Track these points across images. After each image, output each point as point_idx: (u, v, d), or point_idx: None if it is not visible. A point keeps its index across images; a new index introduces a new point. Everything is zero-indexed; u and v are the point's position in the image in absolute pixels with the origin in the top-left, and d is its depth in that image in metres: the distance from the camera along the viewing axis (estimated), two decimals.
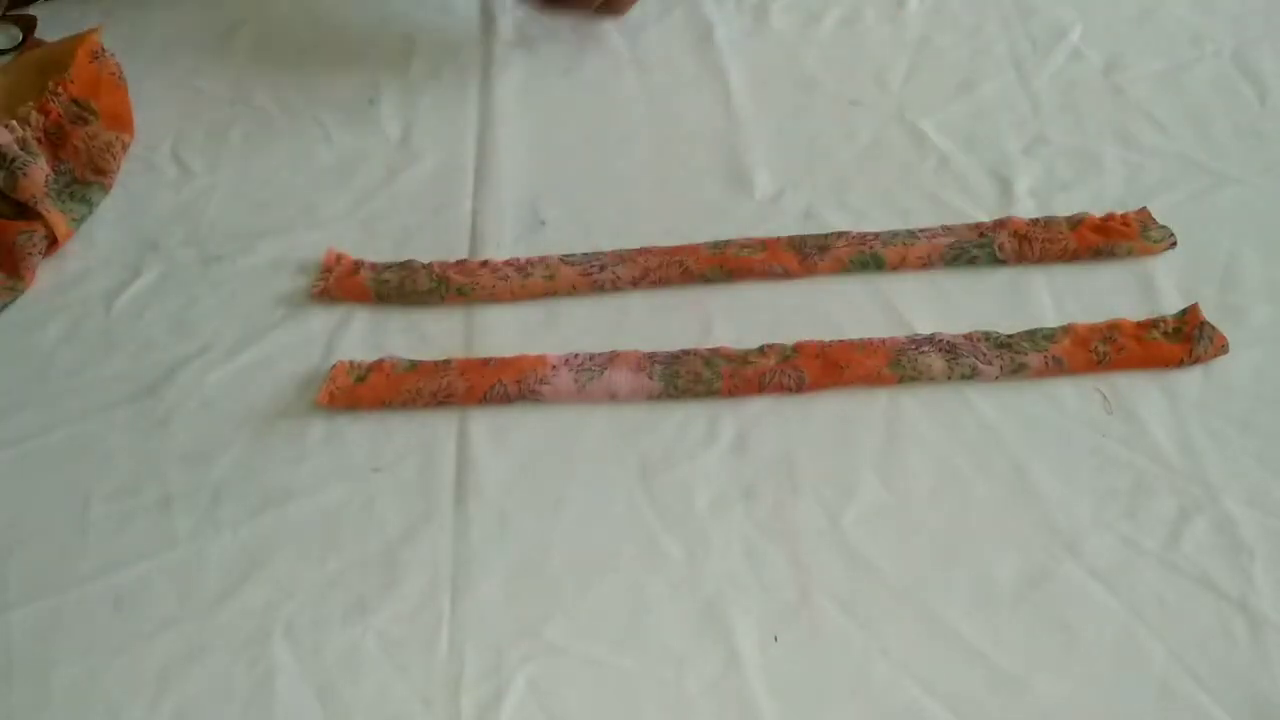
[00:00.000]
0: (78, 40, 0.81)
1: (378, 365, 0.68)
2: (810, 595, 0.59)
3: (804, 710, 0.56)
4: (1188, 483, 0.63)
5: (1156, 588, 0.59)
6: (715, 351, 0.68)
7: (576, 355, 0.68)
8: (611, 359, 0.68)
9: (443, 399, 0.67)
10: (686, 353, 0.68)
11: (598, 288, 0.72)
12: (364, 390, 0.67)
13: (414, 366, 0.68)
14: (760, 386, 0.67)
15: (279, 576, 0.61)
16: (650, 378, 0.67)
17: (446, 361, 0.68)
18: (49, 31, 0.86)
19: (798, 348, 0.68)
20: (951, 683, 0.56)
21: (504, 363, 0.68)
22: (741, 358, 0.68)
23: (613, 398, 0.67)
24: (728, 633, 0.58)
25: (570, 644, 0.58)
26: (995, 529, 0.62)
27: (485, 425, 0.66)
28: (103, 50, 0.81)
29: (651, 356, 0.68)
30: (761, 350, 0.68)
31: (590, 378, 0.67)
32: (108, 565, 0.61)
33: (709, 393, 0.67)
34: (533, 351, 0.69)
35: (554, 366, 0.68)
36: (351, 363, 0.68)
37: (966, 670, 0.57)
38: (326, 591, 0.60)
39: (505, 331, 0.71)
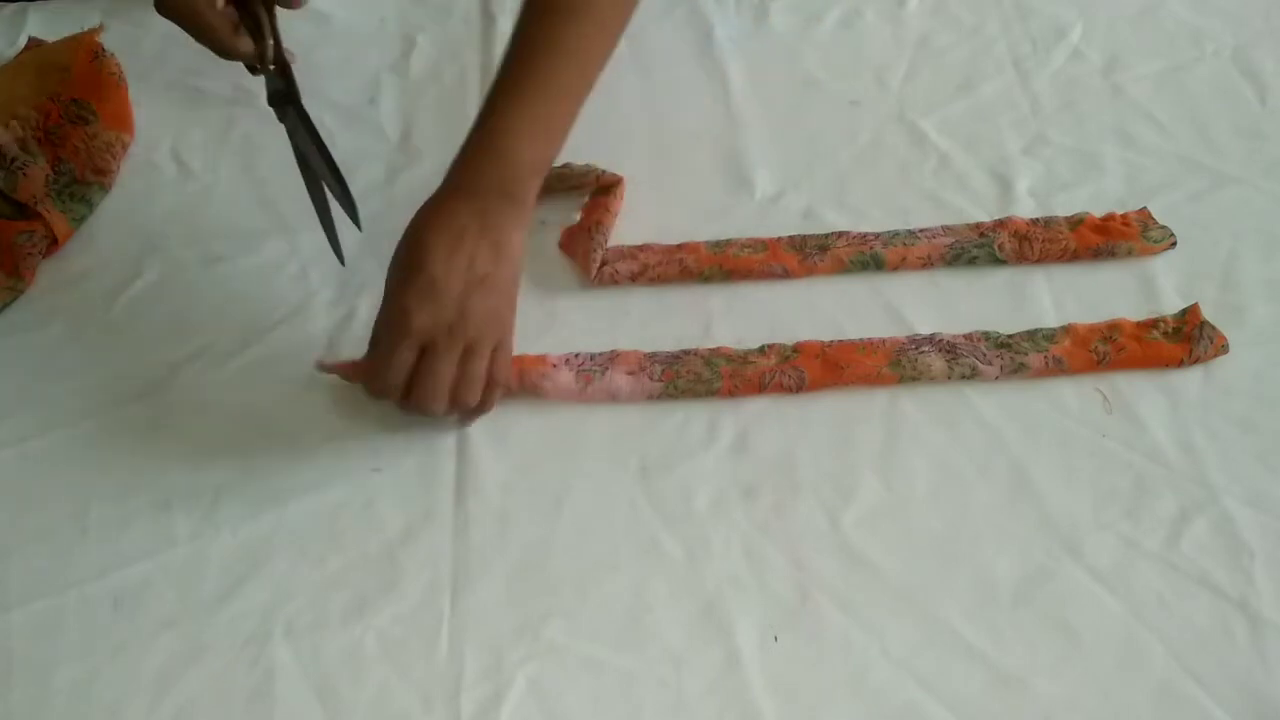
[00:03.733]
0: (78, 40, 0.81)
1: None
2: (810, 595, 0.59)
3: (804, 710, 0.56)
4: (1188, 483, 0.63)
5: (1156, 588, 0.59)
6: (715, 351, 0.68)
7: (577, 355, 0.68)
8: (612, 359, 0.68)
9: None
10: (687, 353, 0.68)
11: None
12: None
13: None
14: (760, 386, 0.67)
15: (279, 576, 0.61)
16: (650, 378, 0.67)
17: None
18: (49, 31, 0.86)
19: (798, 347, 0.68)
20: (951, 683, 0.56)
21: None
22: (742, 358, 0.68)
23: (613, 399, 0.67)
24: (728, 632, 0.58)
25: (570, 644, 0.58)
26: (995, 529, 0.62)
27: (485, 425, 0.66)
28: (103, 50, 0.81)
29: (652, 357, 0.68)
30: (762, 350, 0.68)
31: (591, 379, 0.67)
32: (108, 565, 0.61)
33: (709, 392, 0.67)
34: (532, 351, 0.69)
35: (554, 366, 0.68)
36: None
37: (966, 670, 0.57)
38: (326, 591, 0.60)
39: None
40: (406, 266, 0.61)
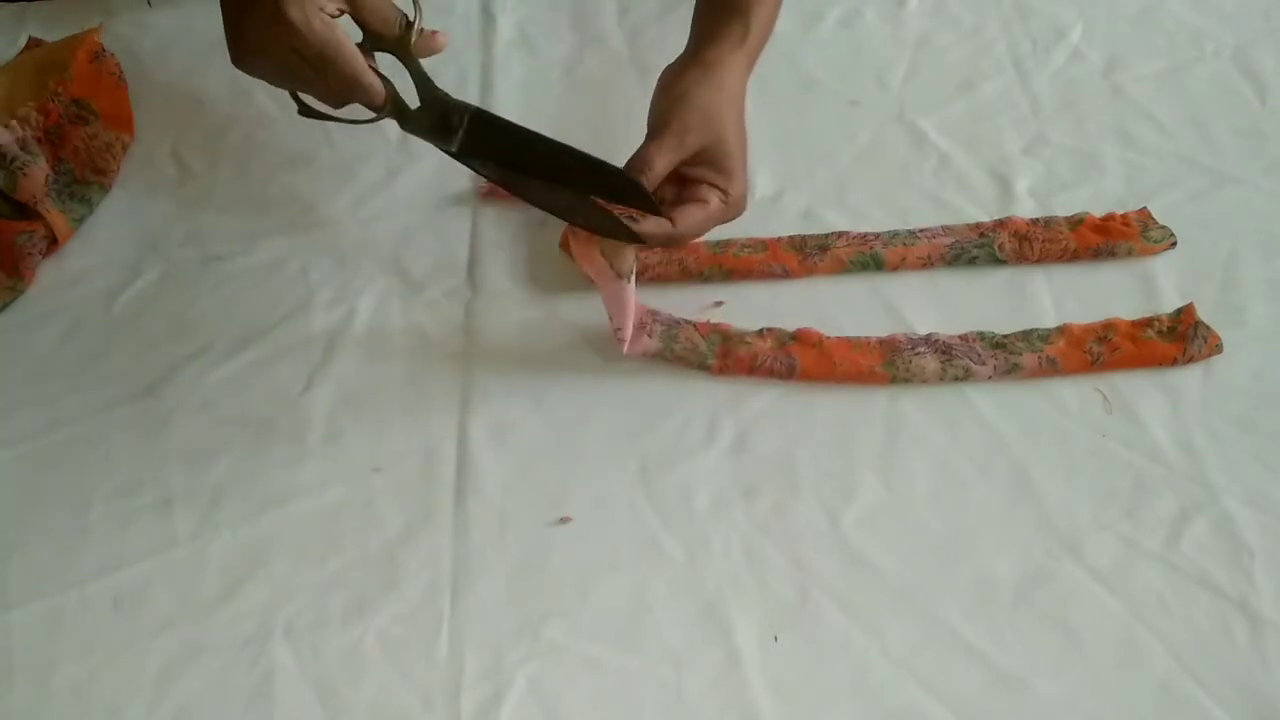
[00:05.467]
0: (78, 40, 0.81)
1: None
2: (810, 595, 0.59)
3: (804, 710, 0.56)
4: (1188, 483, 0.63)
5: (1156, 588, 0.59)
6: (715, 328, 0.69)
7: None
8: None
9: None
10: (689, 321, 0.69)
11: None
12: None
13: None
14: (751, 368, 0.67)
15: (279, 576, 0.61)
16: (650, 335, 0.67)
17: None
18: (49, 31, 0.86)
19: (798, 335, 0.68)
20: (951, 683, 0.56)
21: None
22: (739, 337, 0.68)
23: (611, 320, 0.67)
24: (728, 632, 0.58)
25: (570, 644, 0.58)
26: (995, 529, 0.62)
27: (485, 425, 0.66)
28: (103, 50, 0.81)
29: (655, 314, 0.68)
30: (760, 333, 0.68)
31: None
32: (108, 565, 0.61)
33: (702, 366, 0.67)
34: (530, 352, 0.69)
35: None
36: None
37: (966, 670, 0.57)
38: (326, 591, 0.60)
39: (506, 328, 0.71)
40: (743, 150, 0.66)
